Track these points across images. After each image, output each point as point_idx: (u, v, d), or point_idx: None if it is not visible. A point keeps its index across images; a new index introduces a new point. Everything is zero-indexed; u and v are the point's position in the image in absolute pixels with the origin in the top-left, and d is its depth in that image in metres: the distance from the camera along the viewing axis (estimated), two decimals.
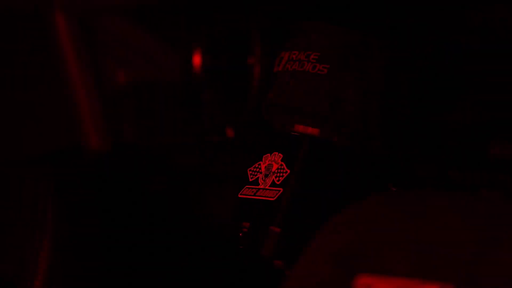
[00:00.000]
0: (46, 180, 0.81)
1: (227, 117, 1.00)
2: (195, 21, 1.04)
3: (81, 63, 1.17)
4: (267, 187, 0.72)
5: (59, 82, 1.19)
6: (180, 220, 1.02)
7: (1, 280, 0.80)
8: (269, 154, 0.73)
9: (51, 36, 1.16)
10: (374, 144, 0.73)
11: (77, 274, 0.80)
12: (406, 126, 0.74)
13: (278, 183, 0.71)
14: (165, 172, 1.16)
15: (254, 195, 0.72)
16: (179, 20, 1.05)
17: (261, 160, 0.73)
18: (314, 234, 0.62)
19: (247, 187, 0.74)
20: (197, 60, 1.05)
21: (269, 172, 0.72)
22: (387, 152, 0.74)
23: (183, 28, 1.05)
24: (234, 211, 0.74)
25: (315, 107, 0.71)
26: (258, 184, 0.73)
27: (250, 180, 0.74)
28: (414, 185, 0.80)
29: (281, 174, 0.71)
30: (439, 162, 0.90)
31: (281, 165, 0.72)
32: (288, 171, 0.71)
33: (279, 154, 0.72)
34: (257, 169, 0.73)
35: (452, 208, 0.57)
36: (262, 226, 0.71)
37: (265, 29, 0.93)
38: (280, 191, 0.71)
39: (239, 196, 0.74)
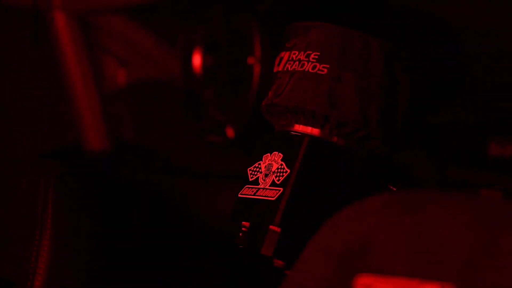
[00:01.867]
0: (46, 179, 0.81)
1: (227, 117, 1.00)
2: (195, 21, 1.04)
3: (81, 63, 1.17)
4: (267, 187, 0.72)
5: (59, 82, 1.19)
6: (180, 219, 1.02)
7: (1, 280, 0.80)
8: (269, 154, 0.73)
9: (51, 35, 1.16)
10: (374, 144, 0.73)
11: (77, 273, 0.80)
12: (406, 126, 0.74)
13: (278, 182, 0.71)
14: (165, 172, 1.16)
15: (254, 194, 0.72)
16: (179, 20, 1.05)
17: (261, 160, 0.73)
18: (314, 234, 0.62)
19: (247, 187, 0.73)
20: (197, 60, 1.05)
21: (269, 172, 0.72)
22: (387, 151, 0.74)
23: (183, 28, 1.05)
24: (234, 210, 0.74)
25: (315, 107, 0.71)
26: (258, 184, 0.73)
27: (250, 179, 0.74)
28: (414, 185, 0.80)
29: (281, 174, 0.71)
30: (439, 162, 0.90)
31: (281, 164, 0.72)
32: (288, 171, 0.71)
33: (279, 154, 0.72)
34: (257, 169, 0.73)
35: (452, 208, 0.57)
36: (262, 226, 0.71)
37: (265, 29, 0.93)
38: (280, 191, 0.71)
39: (239, 195, 0.74)
